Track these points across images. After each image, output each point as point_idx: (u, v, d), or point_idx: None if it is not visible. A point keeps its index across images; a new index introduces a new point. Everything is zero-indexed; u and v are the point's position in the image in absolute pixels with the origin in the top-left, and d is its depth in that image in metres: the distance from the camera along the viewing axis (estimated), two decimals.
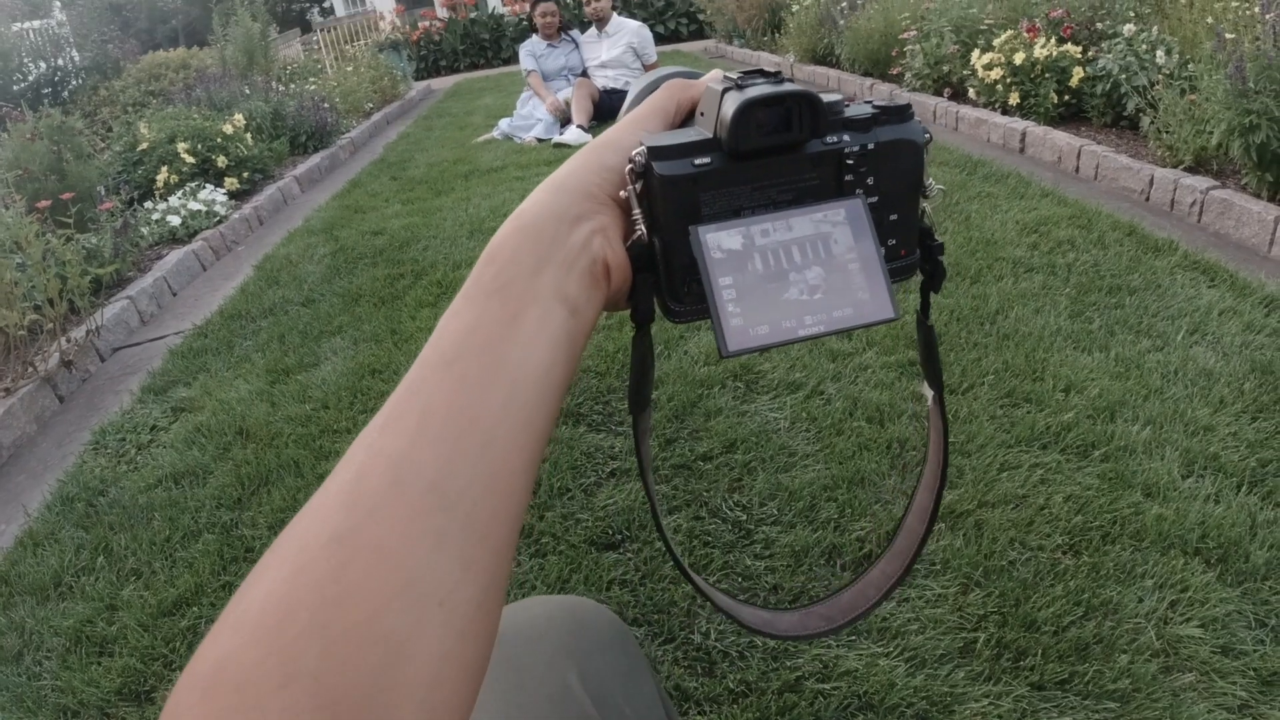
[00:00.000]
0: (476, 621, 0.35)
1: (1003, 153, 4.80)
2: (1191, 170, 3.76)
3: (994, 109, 5.31)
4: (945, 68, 5.93)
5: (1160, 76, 4.26)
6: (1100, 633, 1.51)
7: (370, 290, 3.67)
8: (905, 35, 6.37)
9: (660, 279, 0.47)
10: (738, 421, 2.24)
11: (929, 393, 0.57)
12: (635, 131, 0.48)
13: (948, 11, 6.06)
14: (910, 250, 0.52)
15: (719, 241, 0.44)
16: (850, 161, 0.48)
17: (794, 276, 0.45)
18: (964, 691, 1.42)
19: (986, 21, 5.78)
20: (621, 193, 0.46)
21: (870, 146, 0.49)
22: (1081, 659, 1.47)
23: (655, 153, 0.45)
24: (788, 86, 0.45)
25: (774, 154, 0.47)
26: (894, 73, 6.66)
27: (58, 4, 13.99)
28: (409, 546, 0.34)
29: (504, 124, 7.08)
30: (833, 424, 2.18)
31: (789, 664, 1.50)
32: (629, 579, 1.74)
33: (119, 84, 9.56)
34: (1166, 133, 3.94)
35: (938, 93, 6.05)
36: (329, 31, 16.76)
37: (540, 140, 6.64)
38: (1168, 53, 4.32)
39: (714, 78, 0.50)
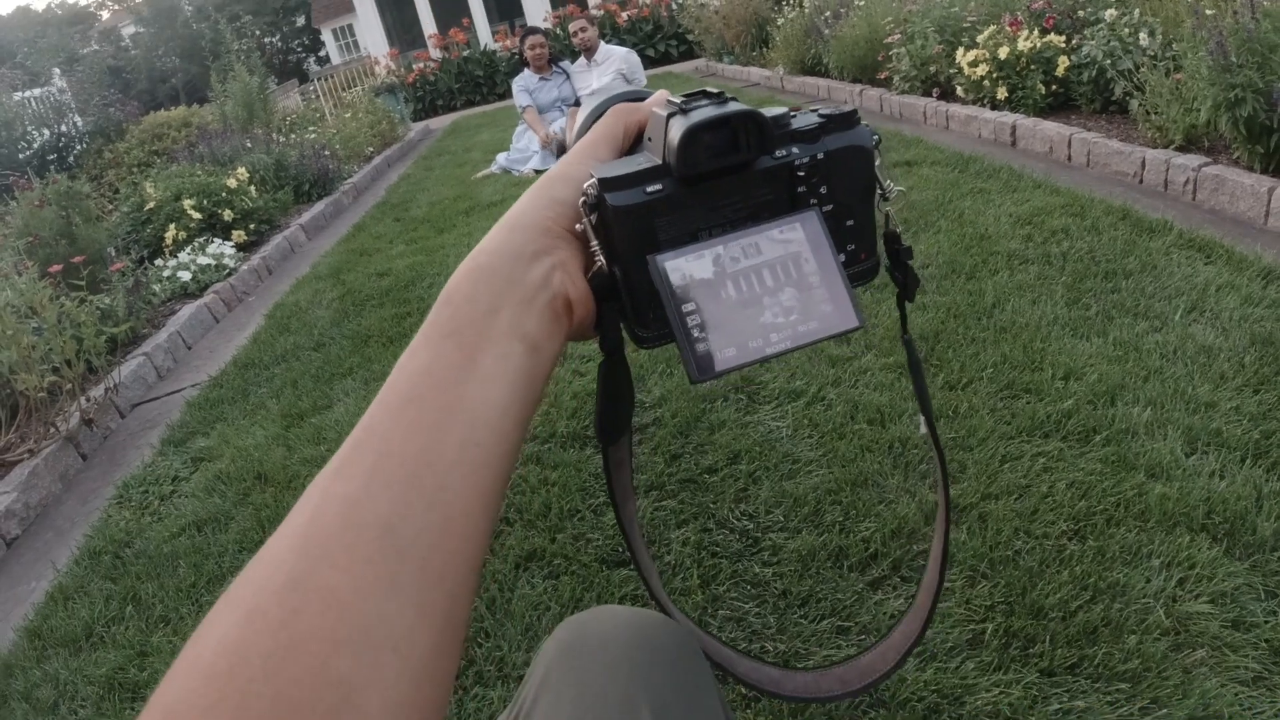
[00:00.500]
0: (432, 665, 0.35)
1: (995, 148, 4.82)
2: (1183, 149, 3.78)
3: (983, 105, 5.34)
4: (932, 68, 5.97)
5: (1145, 59, 4.29)
6: (1108, 615, 1.52)
7: (379, 330, 3.73)
8: (890, 39, 6.41)
9: (625, 307, 0.47)
10: (741, 433, 2.26)
11: (922, 420, 0.57)
12: (585, 161, 0.48)
13: (930, 12, 6.11)
14: (870, 253, 0.52)
15: (678, 268, 0.44)
16: (801, 173, 0.48)
17: (768, 300, 0.45)
18: (974, 682, 1.43)
19: (969, 19, 5.81)
20: (577, 226, 0.46)
21: (820, 156, 0.49)
22: (1090, 642, 1.48)
23: (606, 184, 0.45)
24: (731, 107, 0.46)
25: (724, 175, 0.47)
26: (882, 77, 6.70)
27: (57, 71, 14.24)
28: (362, 592, 0.34)
29: (501, 158, 7.16)
30: (834, 428, 2.20)
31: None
32: (640, 594, 1.76)
33: (123, 145, 9.71)
34: (1155, 114, 3.96)
35: (926, 93, 6.08)
36: (326, 80, 16.98)
37: (538, 171, 6.70)
38: (1150, 34, 4.35)
39: (659, 101, 0.51)
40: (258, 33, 33.58)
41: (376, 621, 0.33)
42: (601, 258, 0.45)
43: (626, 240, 0.45)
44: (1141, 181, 3.81)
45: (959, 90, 5.59)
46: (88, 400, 3.46)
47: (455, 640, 0.37)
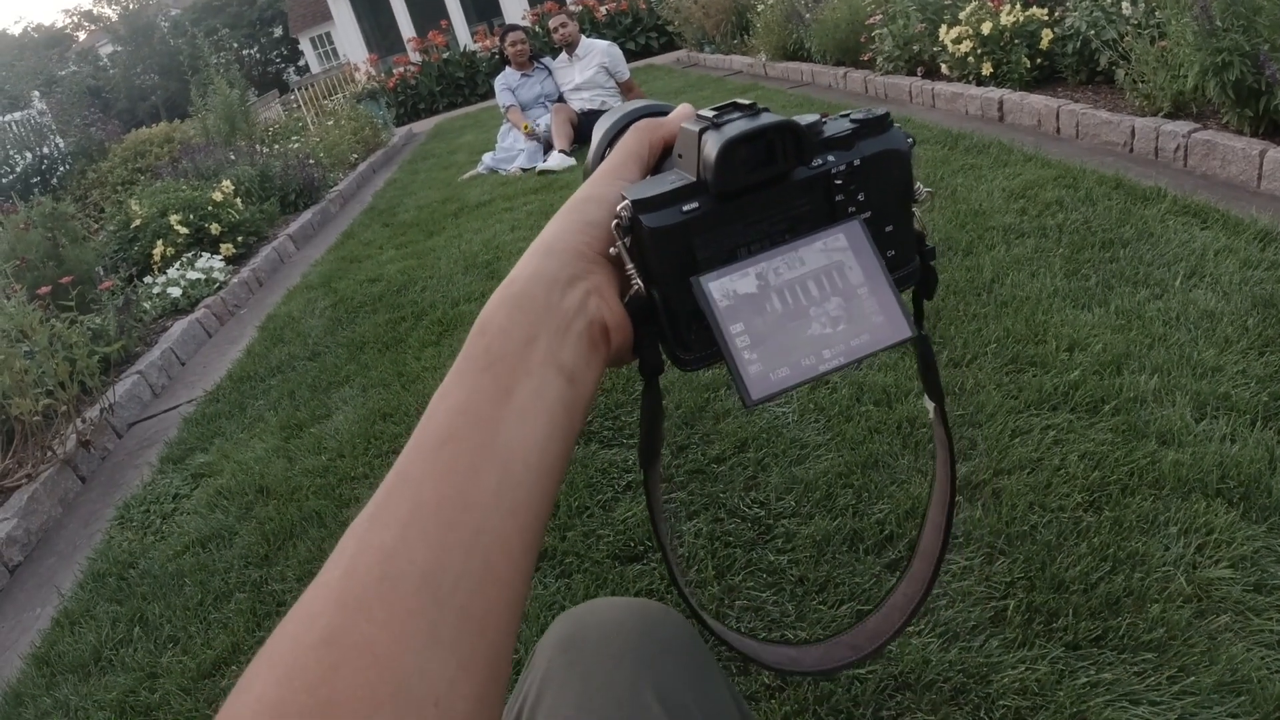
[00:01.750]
0: (475, 717, 0.34)
1: (982, 123, 4.80)
2: (1171, 116, 3.77)
3: (969, 81, 5.33)
4: (915, 47, 5.95)
5: (1129, 27, 4.27)
6: (1130, 585, 1.51)
7: (373, 337, 3.70)
8: (872, 20, 6.39)
9: (664, 329, 0.45)
10: (747, 420, 2.24)
11: (930, 405, 0.55)
12: (613, 182, 0.47)
13: None
14: (909, 258, 0.51)
15: (723, 288, 0.43)
16: (839, 181, 0.47)
17: (814, 311, 0.43)
18: (999, 660, 1.42)
19: None
20: (611, 249, 0.45)
21: (856, 163, 0.47)
22: (1114, 613, 1.46)
23: (640, 205, 0.43)
24: (766, 119, 0.44)
25: (762, 189, 0.45)
26: (865, 59, 6.68)
27: (36, 94, 14.17)
28: (401, 646, 0.33)
29: (487, 159, 7.13)
30: (841, 411, 2.18)
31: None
32: (655, 588, 1.75)
33: (106, 165, 9.66)
34: (1142, 82, 3.94)
35: (911, 73, 6.06)
36: (307, 89, 16.92)
37: (524, 170, 6.68)
38: (1133, 3, 4.33)
39: (686, 115, 0.49)
40: (235, 45, 33.46)
41: (417, 677, 0.32)
42: (639, 280, 0.44)
43: (664, 262, 0.44)
44: (1132, 150, 3.79)
45: (944, 68, 5.57)
46: (83, 422, 3.43)
47: (498, 689, 0.36)
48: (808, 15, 7.71)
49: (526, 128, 6.79)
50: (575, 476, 2.18)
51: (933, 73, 5.85)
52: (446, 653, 0.33)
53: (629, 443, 2.30)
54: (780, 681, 1.47)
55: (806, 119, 0.47)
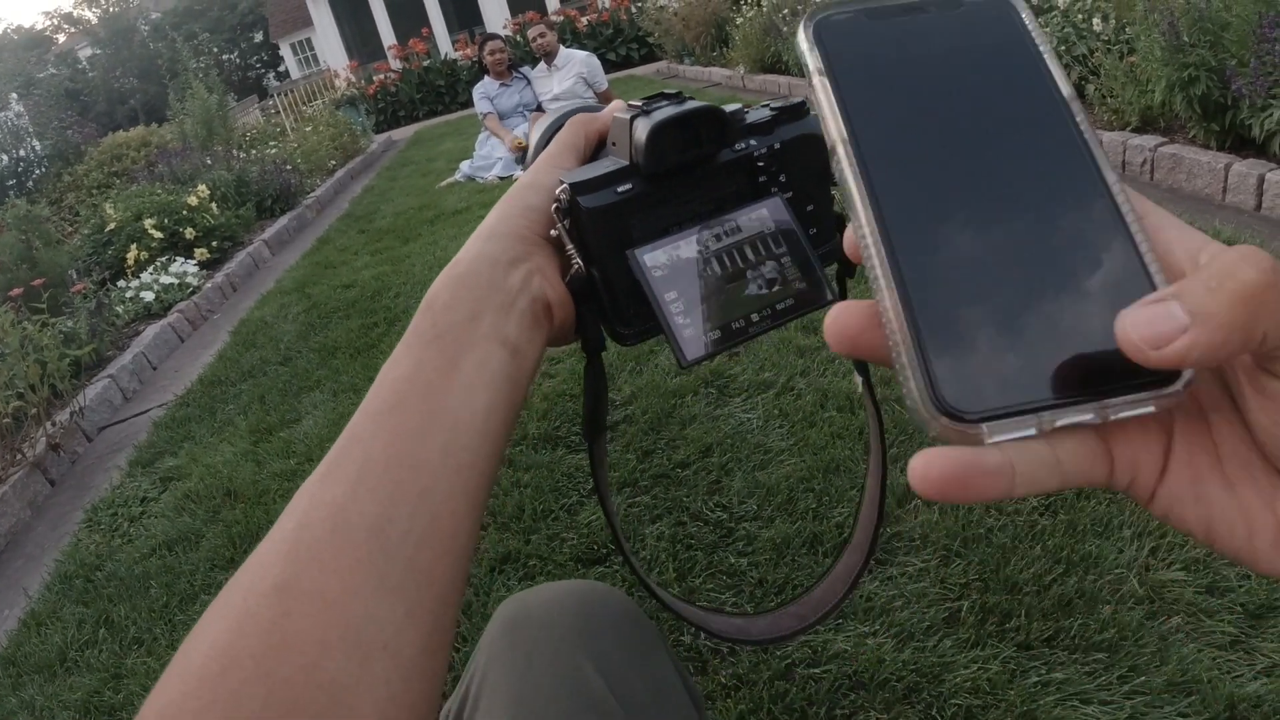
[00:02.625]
0: (422, 664, 0.35)
1: None
2: (1139, 130, 3.82)
3: None
4: None
5: (1099, 44, 4.33)
6: (1082, 587, 1.53)
7: (346, 342, 3.70)
8: None
9: (604, 306, 0.48)
10: (712, 426, 2.26)
11: (858, 380, 0.58)
12: (551, 170, 0.50)
13: None
14: (830, 236, 0.54)
15: (656, 259, 0.46)
16: (761, 164, 0.51)
17: (731, 268, 0.47)
18: (952, 660, 1.44)
19: None
20: (552, 231, 0.47)
21: (776, 146, 0.51)
22: (1066, 614, 1.49)
23: (578, 188, 0.46)
24: (691, 104, 0.48)
25: (689, 169, 0.49)
26: None
27: (14, 96, 14.06)
28: (351, 592, 0.34)
29: (465, 166, 7.14)
30: (804, 417, 2.20)
31: (779, 653, 1.52)
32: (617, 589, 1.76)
33: (82, 168, 9.60)
34: (1111, 97, 4.00)
35: None
36: (286, 94, 16.87)
37: (502, 178, 6.69)
38: (1104, 19, 4.39)
39: (618, 107, 0.52)
40: (215, 50, 33.33)
41: (366, 622, 0.34)
42: (578, 260, 0.47)
43: (602, 241, 0.47)
44: None
45: None
46: (53, 425, 3.41)
47: (444, 639, 0.37)
48: (786, 29, 7.78)
49: (518, 143, 6.80)
50: (541, 481, 2.19)
51: None
52: (395, 600, 0.35)
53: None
54: (736, 680, 1.48)
55: (730, 107, 0.51)
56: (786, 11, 7.88)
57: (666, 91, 0.50)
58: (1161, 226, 0.29)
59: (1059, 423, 0.26)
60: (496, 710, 0.63)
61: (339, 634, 0.33)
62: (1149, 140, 3.58)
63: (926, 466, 0.25)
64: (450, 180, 7.12)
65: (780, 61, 8.10)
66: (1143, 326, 0.24)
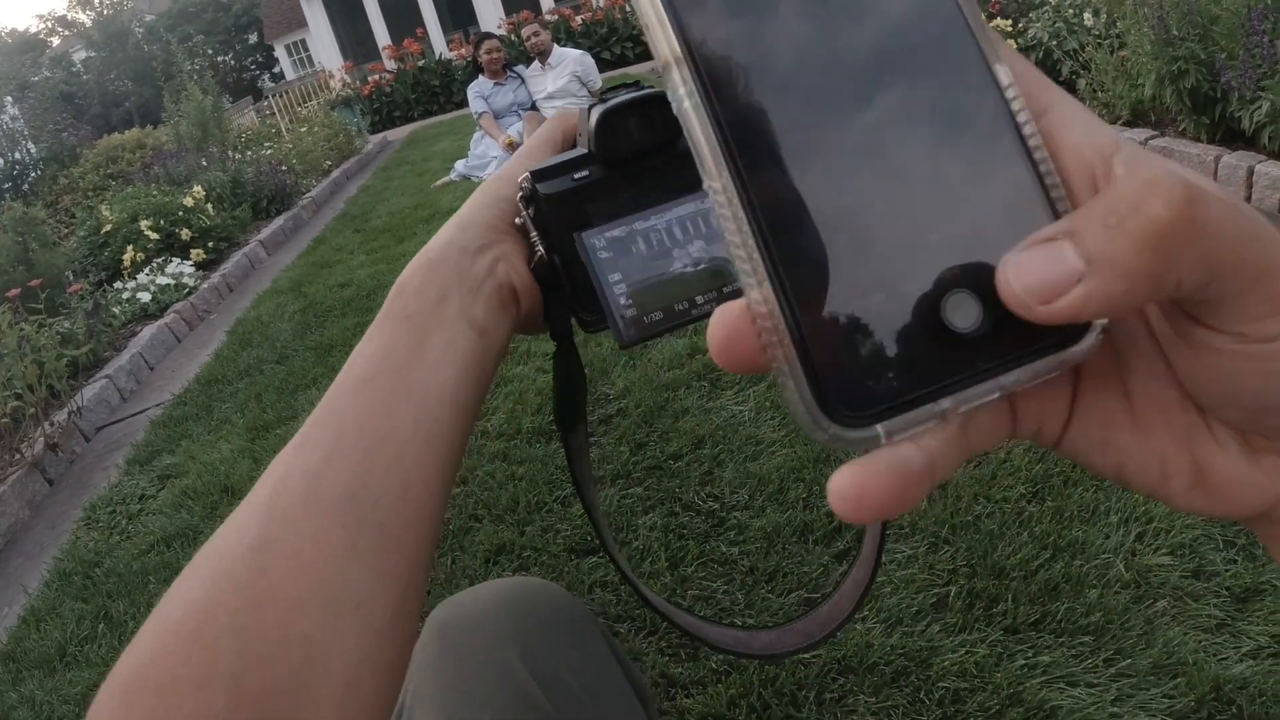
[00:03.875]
0: (393, 625, 0.37)
1: None
2: (1130, 124, 3.85)
3: None
4: None
5: (1090, 38, 4.36)
6: (1069, 572, 1.55)
7: (341, 340, 3.71)
8: None
9: (568, 293, 0.49)
10: (704, 418, 2.28)
11: None
12: (526, 164, 0.51)
13: None
14: None
15: (603, 241, 0.47)
16: None
17: (677, 252, 0.47)
18: (940, 644, 1.46)
19: None
20: (516, 220, 0.49)
21: None
22: (1052, 598, 1.51)
23: (537, 175, 0.48)
24: (644, 91, 0.49)
25: (649, 156, 0.50)
26: None
27: (9, 99, 14.07)
28: (325, 554, 0.35)
29: (460, 166, 7.15)
30: None
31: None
32: (610, 580, 1.78)
33: (78, 170, 9.62)
34: (1102, 91, 4.02)
35: None
36: (281, 96, 16.88)
37: None
38: (1095, 14, 4.42)
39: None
40: (210, 52, 33.31)
41: (339, 582, 0.35)
42: (541, 247, 0.48)
43: (561, 226, 0.48)
44: None
45: None
46: (51, 425, 3.43)
47: (414, 602, 0.38)
48: None
49: (510, 141, 6.81)
50: (535, 473, 2.21)
51: None
52: (366, 563, 0.36)
53: (589, 441, 2.33)
54: (727, 666, 1.50)
55: None
56: None
57: (626, 81, 0.51)
58: (1066, 123, 0.24)
59: (962, 409, 0.23)
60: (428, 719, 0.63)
61: (313, 593, 0.34)
62: (1139, 133, 3.61)
63: (861, 487, 0.22)
64: (445, 180, 7.13)
65: None
66: (1027, 275, 0.21)
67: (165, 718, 0.32)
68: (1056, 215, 0.23)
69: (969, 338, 0.23)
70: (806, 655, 1.49)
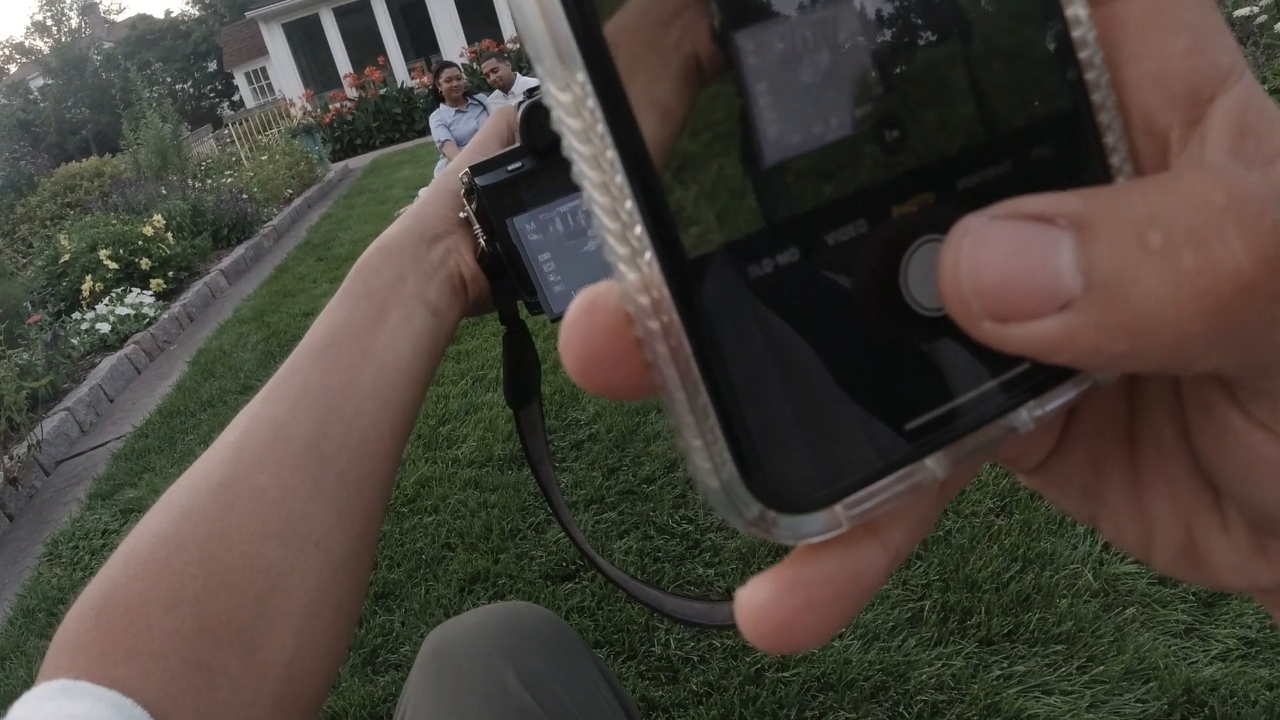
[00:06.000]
0: (349, 564, 0.39)
1: None
2: None
3: None
4: None
5: None
6: (1039, 582, 1.57)
7: None
8: None
9: (512, 278, 0.52)
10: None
11: None
12: (473, 157, 0.54)
13: None
14: None
15: (532, 224, 0.50)
16: None
17: (591, 232, 0.50)
18: (917, 658, 1.47)
19: None
20: (461, 213, 0.52)
21: None
22: (1025, 609, 1.53)
23: (476, 170, 0.51)
24: None
25: None
26: None
27: None
28: (288, 493, 0.38)
29: (424, 194, 7.13)
30: None
31: (748, 659, 1.55)
32: (586, 605, 1.78)
33: (35, 199, 9.48)
34: None
35: None
36: (241, 124, 16.75)
37: None
38: None
39: None
40: (169, 79, 33.08)
41: (301, 518, 0.38)
42: (483, 238, 0.51)
43: (499, 216, 0.51)
44: None
45: None
46: (11, 459, 3.36)
47: (368, 545, 0.41)
48: None
49: None
50: (508, 500, 2.20)
51: None
52: (327, 504, 0.39)
53: (561, 466, 2.33)
54: (707, 687, 1.51)
55: None
56: None
57: None
58: (1147, 20, 0.16)
59: (941, 475, 0.16)
60: None
61: (277, 527, 0.37)
62: None
63: (786, 615, 0.15)
64: (408, 207, 7.11)
65: None
66: (986, 264, 0.13)
67: (134, 637, 0.33)
68: (1110, 177, 0.16)
69: (966, 355, 0.16)
70: (785, 673, 1.49)
